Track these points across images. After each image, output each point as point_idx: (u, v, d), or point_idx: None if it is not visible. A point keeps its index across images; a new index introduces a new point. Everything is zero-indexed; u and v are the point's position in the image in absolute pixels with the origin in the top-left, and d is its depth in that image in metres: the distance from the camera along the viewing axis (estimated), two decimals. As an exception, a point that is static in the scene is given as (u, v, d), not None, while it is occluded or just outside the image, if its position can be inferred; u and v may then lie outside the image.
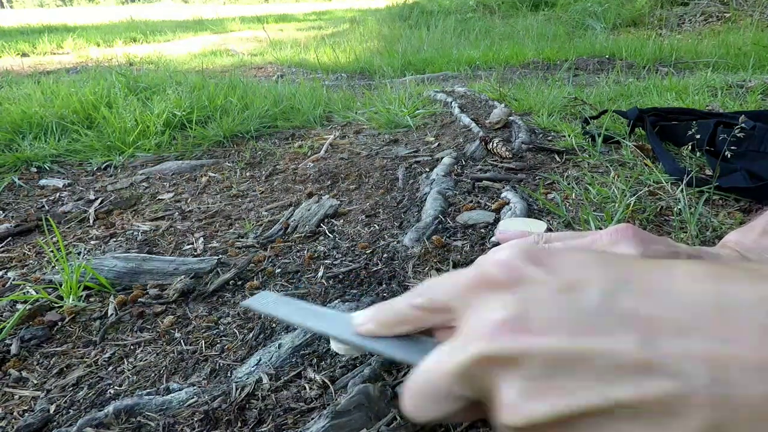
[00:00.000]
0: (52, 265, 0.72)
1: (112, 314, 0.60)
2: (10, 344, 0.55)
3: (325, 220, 0.82)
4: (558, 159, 1.05)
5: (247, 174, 1.12)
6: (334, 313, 0.40)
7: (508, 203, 0.82)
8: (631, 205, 0.76)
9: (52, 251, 0.74)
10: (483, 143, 1.12)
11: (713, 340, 0.20)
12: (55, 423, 0.45)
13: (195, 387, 0.46)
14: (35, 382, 0.50)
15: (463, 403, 0.25)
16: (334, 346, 0.40)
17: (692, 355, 0.20)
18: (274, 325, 0.56)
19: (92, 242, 0.81)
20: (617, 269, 0.24)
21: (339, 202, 0.88)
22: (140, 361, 0.52)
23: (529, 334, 0.22)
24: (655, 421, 0.20)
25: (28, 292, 0.66)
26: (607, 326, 0.22)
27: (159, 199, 0.99)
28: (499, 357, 0.22)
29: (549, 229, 0.68)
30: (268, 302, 0.46)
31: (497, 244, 0.59)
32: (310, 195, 0.94)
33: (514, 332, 0.22)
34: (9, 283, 0.69)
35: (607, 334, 0.21)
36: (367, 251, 0.70)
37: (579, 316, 0.22)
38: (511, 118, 1.34)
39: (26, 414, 0.46)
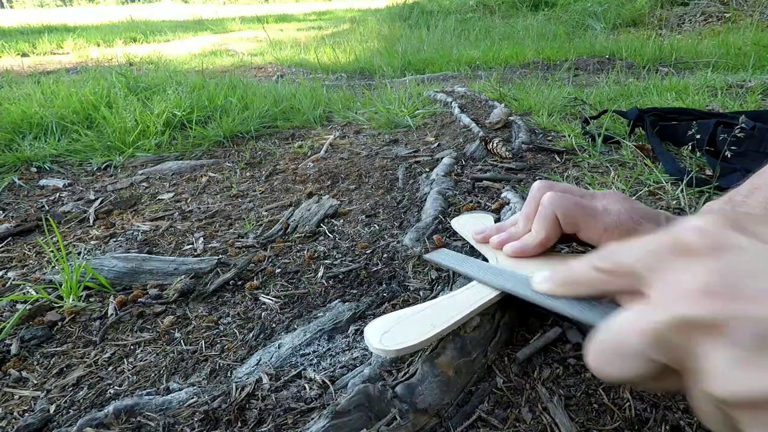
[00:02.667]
0: (52, 265, 0.72)
1: (112, 314, 0.60)
2: (10, 344, 0.55)
3: (325, 220, 0.82)
4: (558, 159, 1.05)
5: (247, 174, 1.12)
6: (511, 273, 0.44)
7: (508, 203, 0.82)
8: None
9: (52, 251, 0.74)
10: (483, 143, 1.12)
11: None
12: (55, 423, 0.45)
13: (195, 387, 0.46)
14: (35, 382, 0.50)
15: (653, 368, 0.25)
16: (375, 345, 0.41)
17: None
18: (274, 325, 0.56)
19: (92, 242, 0.81)
20: None
21: (339, 202, 0.88)
22: (140, 361, 0.52)
23: (739, 301, 0.21)
24: None
25: (28, 292, 0.66)
26: None
27: (159, 199, 0.99)
28: (704, 322, 0.21)
29: (497, 220, 0.69)
30: (448, 257, 0.53)
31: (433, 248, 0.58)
32: (310, 195, 0.94)
33: (722, 298, 0.21)
34: (9, 283, 0.69)
35: None
36: (367, 251, 0.70)
37: None
38: (511, 118, 1.34)
39: (26, 414, 0.46)
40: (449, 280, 0.60)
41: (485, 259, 0.52)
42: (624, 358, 0.25)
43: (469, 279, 0.48)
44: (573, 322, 0.52)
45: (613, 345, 0.26)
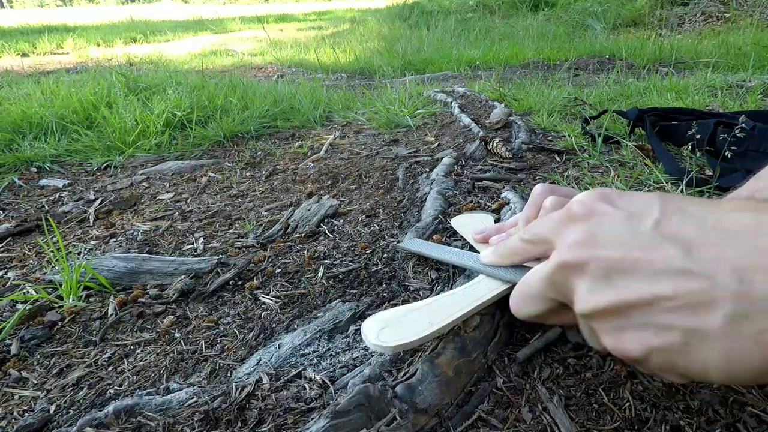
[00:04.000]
0: (52, 265, 0.72)
1: (112, 314, 0.60)
2: (10, 344, 0.55)
3: (325, 220, 0.82)
4: (558, 159, 1.05)
5: (247, 174, 1.12)
6: (465, 252, 0.56)
7: (508, 203, 0.82)
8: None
9: (52, 251, 0.74)
10: (483, 143, 1.12)
11: (744, 255, 0.25)
12: (55, 423, 0.45)
13: (195, 387, 0.46)
14: (35, 382, 0.50)
15: (551, 304, 0.35)
16: (372, 341, 0.44)
17: (723, 264, 0.25)
18: (274, 325, 0.56)
19: (92, 242, 0.81)
20: (673, 202, 0.30)
21: (339, 202, 0.88)
22: (140, 361, 0.52)
23: (595, 248, 0.30)
24: (687, 311, 0.26)
25: (28, 292, 0.66)
26: (656, 242, 0.28)
27: (159, 199, 0.99)
28: (572, 263, 0.31)
29: (497, 220, 0.71)
30: (417, 244, 0.65)
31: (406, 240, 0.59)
32: (310, 195, 0.94)
33: (584, 246, 0.31)
34: (9, 283, 0.69)
35: (655, 249, 0.28)
36: (367, 251, 0.70)
37: (634, 235, 0.29)
38: (511, 118, 1.34)
39: (26, 414, 0.46)
40: (449, 280, 0.60)
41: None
42: (532, 299, 0.36)
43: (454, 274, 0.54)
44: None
45: (525, 290, 0.37)
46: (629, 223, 0.30)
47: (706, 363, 0.26)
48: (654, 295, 0.27)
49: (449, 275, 0.62)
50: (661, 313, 0.27)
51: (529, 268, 0.41)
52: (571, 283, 0.31)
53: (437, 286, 0.60)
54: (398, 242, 0.71)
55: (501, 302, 0.46)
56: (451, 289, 0.56)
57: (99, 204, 0.98)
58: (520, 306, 0.38)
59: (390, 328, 0.42)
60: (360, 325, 0.53)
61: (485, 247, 0.55)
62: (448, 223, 0.76)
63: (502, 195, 0.86)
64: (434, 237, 0.71)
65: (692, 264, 0.26)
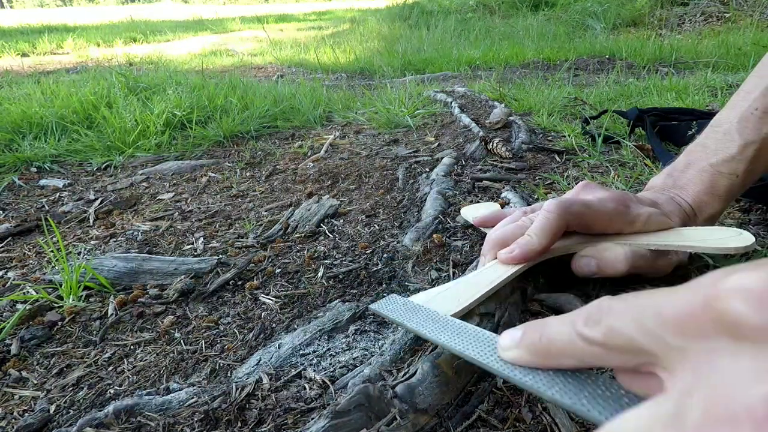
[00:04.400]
0: (52, 265, 0.72)
1: (112, 314, 0.60)
2: (10, 344, 0.55)
3: (325, 220, 0.82)
4: (558, 159, 1.05)
5: (247, 174, 1.12)
6: (473, 330, 0.34)
7: (508, 203, 0.82)
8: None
9: (52, 251, 0.74)
10: (483, 143, 1.12)
11: None
12: (55, 423, 0.45)
13: (195, 387, 0.46)
14: (35, 382, 0.50)
15: None
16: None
17: None
18: (274, 325, 0.56)
19: (92, 242, 0.81)
20: None
21: (339, 202, 0.88)
22: (140, 361, 0.52)
23: None
24: None
25: (28, 292, 0.66)
26: None
27: (159, 199, 0.99)
28: None
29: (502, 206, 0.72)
30: (396, 308, 0.43)
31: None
32: (310, 195, 0.94)
33: None
34: (9, 283, 0.69)
35: None
36: (367, 251, 0.70)
37: None
38: (511, 118, 1.34)
39: (26, 414, 0.46)
40: (449, 279, 0.60)
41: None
42: None
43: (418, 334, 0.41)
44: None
45: None
46: None
47: None
48: None
49: (450, 275, 0.62)
50: None
51: (599, 381, 0.24)
52: None
53: (438, 286, 0.60)
54: (371, 302, 0.54)
55: (501, 302, 0.47)
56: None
57: (99, 204, 0.98)
58: None
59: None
60: (360, 325, 0.53)
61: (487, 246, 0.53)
62: (449, 223, 0.76)
63: (502, 195, 0.86)
64: (434, 236, 0.71)
65: None
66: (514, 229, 0.51)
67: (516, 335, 0.27)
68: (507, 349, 0.27)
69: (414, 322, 0.39)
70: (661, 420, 0.16)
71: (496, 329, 0.48)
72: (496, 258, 0.49)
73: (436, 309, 0.43)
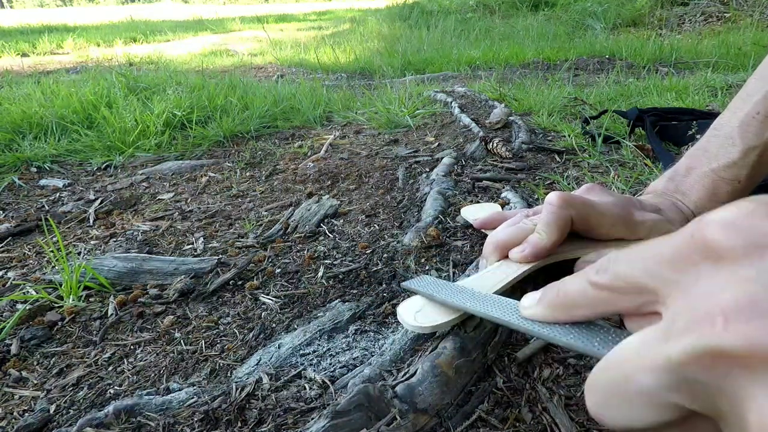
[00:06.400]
0: (52, 265, 0.72)
1: (112, 314, 0.60)
2: (10, 344, 0.55)
3: (325, 220, 0.82)
4: (558, 159, 1.05)
5: (247, 174, 1.12)
6: (496, 298, 0.40)
7: (508, 203, 0.82)
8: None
9: (52, 251, 0.74)
10: (483, 143, 1.12)
11: None
12: (55, 423, 0.45)
13: (195, 387, 0.46)
14: (35, 382, 0.50)
15: (672, 414, 0.19)
16: (410, 323, 0.43)
17: None
18: (274, 325, 0.56)
19: (92, 242, 0.81)
20: None
21: (339, 202, 0.88)
22: (140, 361, 0.52)
23: None
24: None
25: (28, 292, 0.66)
26: None
27: (159, 199, 0.99)
28: (740, 353, 0.16)
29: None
30: (427, 285, 0.48)
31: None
32: (310, 195, 0.94)
33: (765, 319, 0.16)
34: (9, 283, 0.69)
35: None
36: (367, 251, 0.70)
37: None
38: (511, 118, 1.34)
39: (26, 414, 0.46)
40: (450, 279, 0.60)
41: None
42: (632, 402, 0.19)
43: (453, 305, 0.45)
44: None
45: (617, 384, 0.20)
46: None
47: None
48: None
49: (450, 275, 0.62)
50: None
51: (608, 329, 0.27)
52: (736, 387, 0.16)
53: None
54: (402, 281, 0.57)
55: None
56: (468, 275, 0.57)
57: (99, 204, 0.98)
58: (609, 410, 0.20)
59: (424, 311, 0.44)
60: (360, 325, 0.53)
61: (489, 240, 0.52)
62: (449, 223, 0.76)
63: (502, 195, 0.86)
64: (430, 229, 0.70)
65: None
66: (515, 231, 0.50)
67: (535, 296, 0.31)
68: (528, 308, 0.31)
69: (442, 294, 0.44)
70: (654, 339, 0.19)
71: (497, 329, 0.48)
72: (498, 260, 0.49)
73: (440, 308, 0.44)
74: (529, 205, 0.81)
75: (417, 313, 0.44)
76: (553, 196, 0.46)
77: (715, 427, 0.18)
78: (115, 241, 0.80)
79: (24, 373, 0.52)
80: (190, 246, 0.77)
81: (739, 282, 0.17)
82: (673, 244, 0.20)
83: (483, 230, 0.65)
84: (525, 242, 0.47)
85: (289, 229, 0.80)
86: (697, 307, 0.18)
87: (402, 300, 0.57)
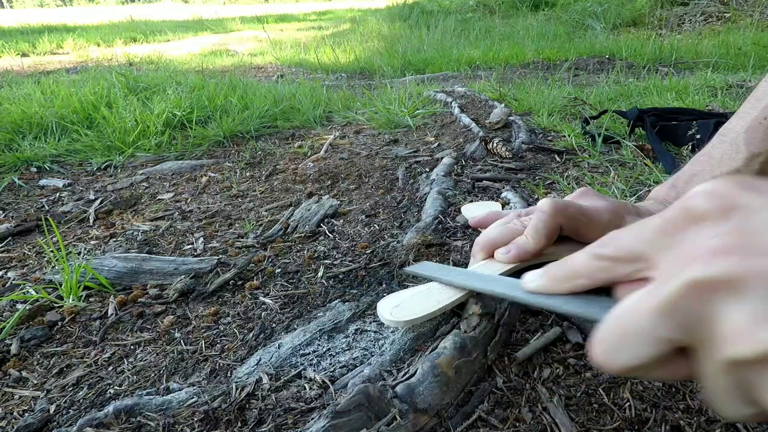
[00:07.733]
0: (52, 265, 0.72)
1: (112, 314, 0.60)
2: (10, 344, 0.55)
3: (325, 220, 0.82)
4: (558, 159, 1.05)
5: (247, 174, 1.12)
6: (498, 277, 0.42)
7: (508, 203, 0.82)
8: (631, 205, 0.76)
9: (52, 251, 0.74)
10: (483, 143, 1.12)
11: None
12: (55, 423, 0.45)
13: (195, 387, 0.46)
14: (35, 382, 0.50)
15: (663, 349, 0.23)
16: (386, 317, 0.44)
17: None
18: (274, 325, 0.56)
19: (92, 242, 0.81)
20: None
21: (339, 202, 0.88)
22: (140, 361, 0.52)
23: (755, 256, 0.20)
24: None
25: (28, 292, 0.66)
26: None
27: (159, 199, 0.99)
28: (720, 280, 0.20)
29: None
30: (429, 268, 0.51)
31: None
32: (310, 195, 0.94)
33: (737, 254, 0.20)
34: (9, 283, 0.69)
35: None
36: (367, 251, 0.70)
37: None
38: (511, 118, 1.34)
39: (26, 414, 0.46)
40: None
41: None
42: (633, 343, 0.23)
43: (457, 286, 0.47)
44: (572, 321, 0.52)
45: (622, 330, 0.24)
46: None
47: None
48: None
49: (449, 275, 0.62)
50: None
51: (602, 298, 0.30)
52: (713, 311, 0.21)
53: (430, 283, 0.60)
54: (403, 267, 0.61)
55: (501, 301, 0.46)
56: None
57: (99, 204, 0.98)
58: (614, 354, 0.24)
59: (402, 307, 0.46)
60: (360, 325, 0.54)
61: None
62: (449, 223, 0.76)
63: (502, 195, 0.86)
64: (422, 239, 0.71)
65: None
66: (503, 231, 0.50)
67: (539, 271, 0.33)
68: (531, 281, 0.34)
69: (445, 276, 0.46)
70: (648, 291, 0.23)
71: (497, 329, 0.48)
72: (484, 258, 0.49)
73: (417, 304, 0.46)
74: (529, 205, 0.81)
75: (394, 308, 0.46)
76: (544, 204, 0.45)
77: (689, 360, 0.23)
78: (115, 241, 0.80)
79: (24, 373, 0.52)
80: (190, 246, 0.77)
81: (718, 234, 0.22)
82: (664, 215, 0.25)
83: (479, 228, 0.64)
84: (512, 243, 0.48)
85: (289, 229, 0.80)
86: (685, 255, 0.22)
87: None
